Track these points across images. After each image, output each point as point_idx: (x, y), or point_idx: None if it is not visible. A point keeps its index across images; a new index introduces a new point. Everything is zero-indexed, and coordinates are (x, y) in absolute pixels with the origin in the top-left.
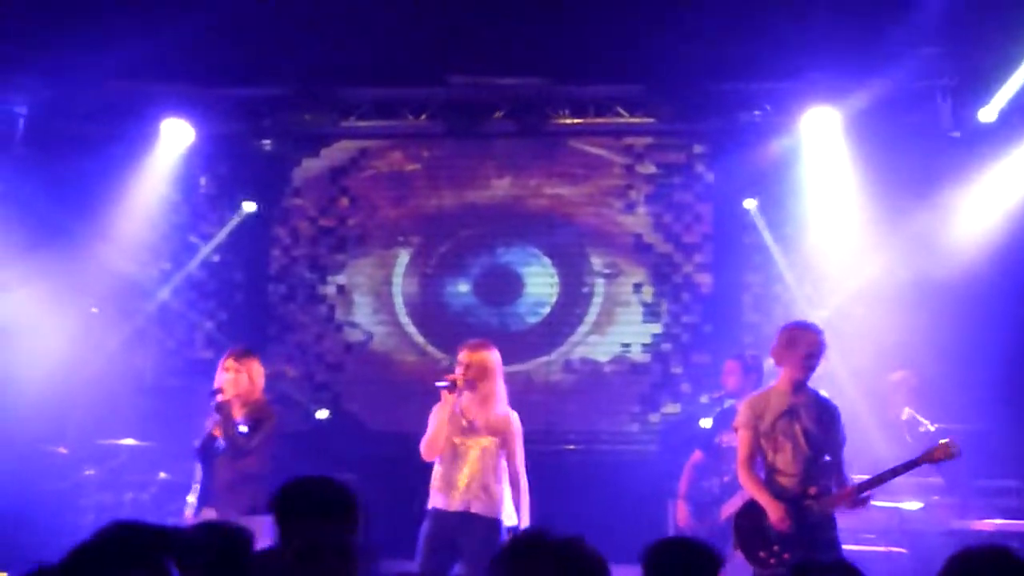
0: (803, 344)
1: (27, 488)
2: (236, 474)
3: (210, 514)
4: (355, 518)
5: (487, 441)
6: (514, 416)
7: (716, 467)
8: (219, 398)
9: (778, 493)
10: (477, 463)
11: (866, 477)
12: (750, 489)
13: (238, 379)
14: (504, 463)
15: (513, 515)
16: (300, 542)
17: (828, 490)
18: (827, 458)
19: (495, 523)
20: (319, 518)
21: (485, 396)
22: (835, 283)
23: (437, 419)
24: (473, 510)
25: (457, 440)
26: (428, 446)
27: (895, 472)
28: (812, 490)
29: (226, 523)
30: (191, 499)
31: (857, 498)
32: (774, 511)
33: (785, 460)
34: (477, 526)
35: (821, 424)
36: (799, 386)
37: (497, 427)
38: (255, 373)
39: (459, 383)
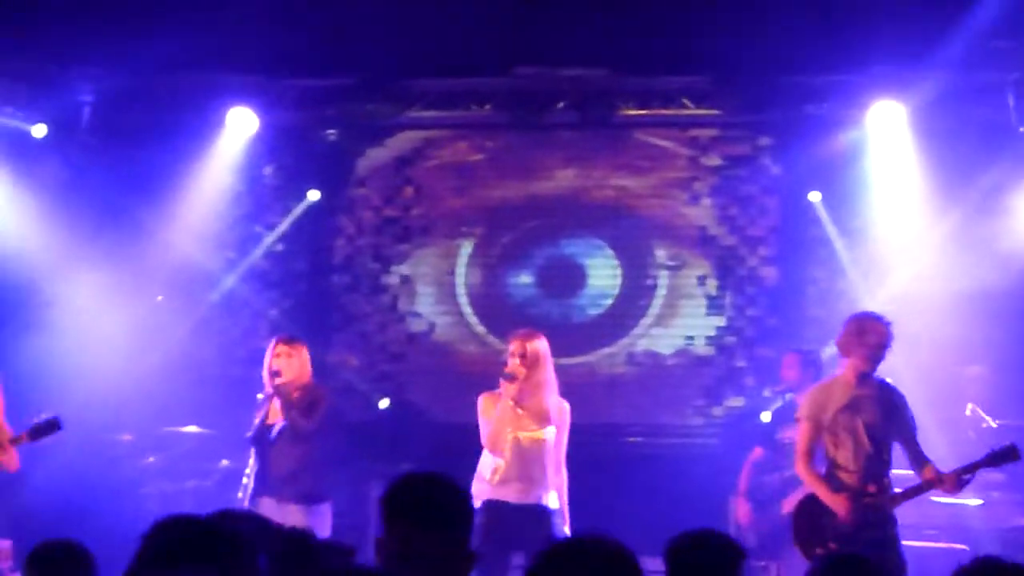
0: (871, 335)
1: (91, 476)
2: (294, 461)
3: (268, 503)
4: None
5: (542, 432)
6: (566, 405)
7: (777, 463)
8: (278, 381)
9: (837, 489)
10: (536, 454)
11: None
12: (809, 483)
13: (291, 363)
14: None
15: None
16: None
17: (888, 487)
18: (893, 449)
19: (554, 512)
20: (440, 529)
21: (538, 385)
22: (900, 278)
23: (494, 415)
24: (533, 501)
25: (515, 432)
26: (493, 441)
27: (985, 462)
28: (871, 487)
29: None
30: (245, 483)
31: (959, 481)
32: (839, 506)
33: (846, 456)
34: (537, 517)
35: (886, 415)
36: (864, 377)
37: (551, 416)
38: (305, 358)
39: (519, 375)
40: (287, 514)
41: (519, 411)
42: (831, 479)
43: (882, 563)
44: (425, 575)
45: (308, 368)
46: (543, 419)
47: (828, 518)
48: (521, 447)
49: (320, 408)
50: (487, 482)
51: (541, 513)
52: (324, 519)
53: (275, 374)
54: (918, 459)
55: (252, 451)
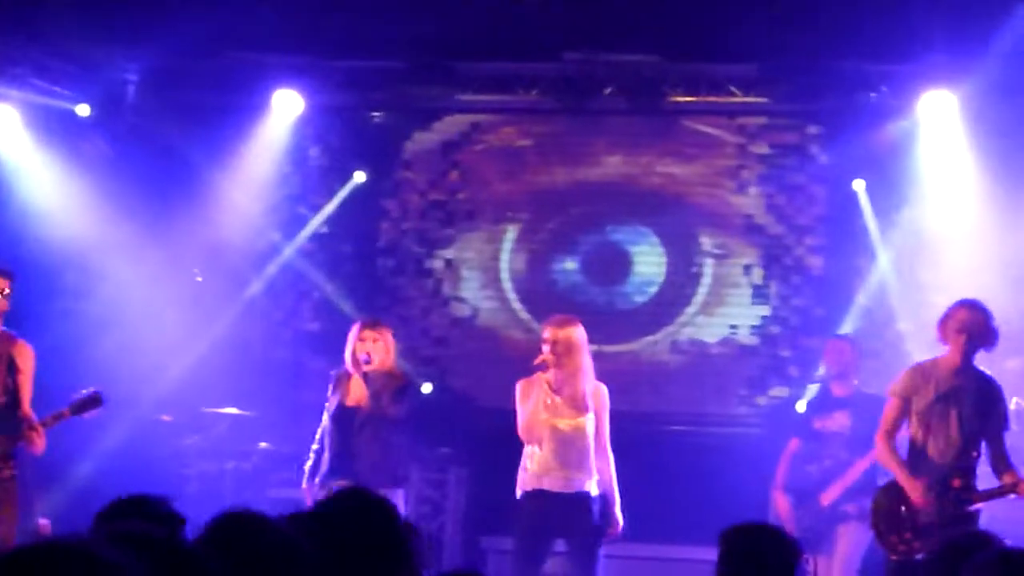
0: (972, 323)
1: (130, 456)
2: (380, 446)
3: (346, 484)
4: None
5: (581, 419)
6: (603, 389)
7: (816, 453)
8: (367, 368)
9: (918, 476)
10: (575, 442)
11: None
12: (888, 464)
13: (376, 348)
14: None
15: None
16: None
17: (972, 484)
18: (983, 445)
19: (595, 499)
20: None
21: (573, 372)
22: (951, 268)
23: (530, 402)
24: (580, 490)
25: (552, 420)
26: (527, 430)
27: None
28: (956, 482)
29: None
30: (312, 468)
31: None
32: (915, 490)
33: (935, 446)
34: (579, 505)
35: (980, 408)
36: (963, 366)
37: (587, 403)
38: (390, 341)
39: (550, 363)
40: None
41: (555, 399)
42: (913, 466)
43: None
44: None
45: (393, 352)
46: (580, 406)
47: (909, 508)
48: (558, 435)
49: (408, 394)
50: (528, 471)
51: (582, 501)
52: (401, 503)
53: (365, 361)
54: (1001, 459)
55: (325, 432)
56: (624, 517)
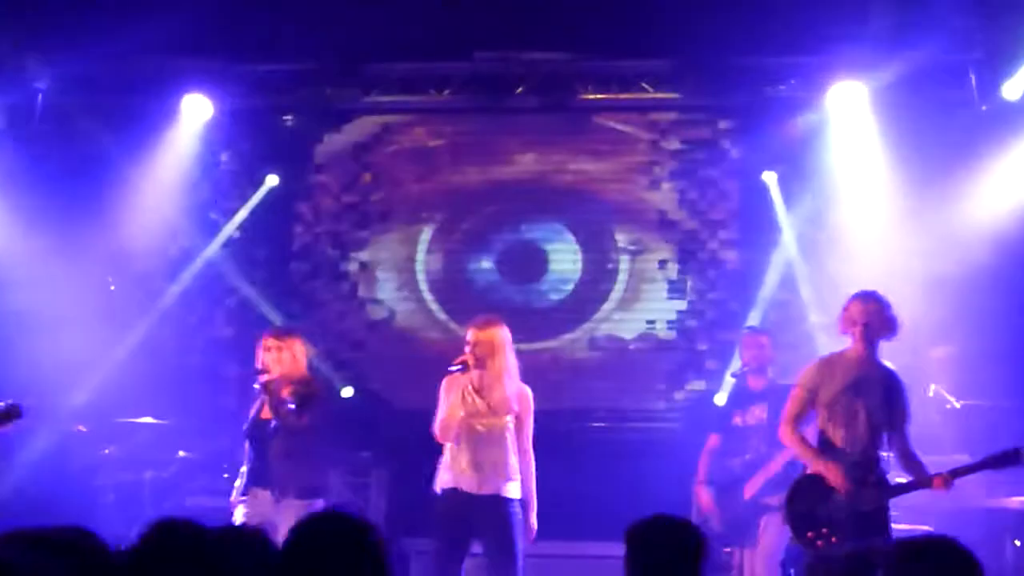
0: (862, 314)
1: (44, 467)
2: (291, 455)
3: (264, 497)
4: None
5: (499, 421)
6: (527, 391)
7: (736, 447)
8: (262, 379)
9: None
10: (493, 443)
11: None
12: (797, 449)
13: (281, 357)
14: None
15: (519, 489)
16: None
17: (884, 479)
18: (887, 435)
19: (512, 502)
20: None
21: (495, 374)
22: (861, 259)
23: (449, 401)
24: (490, 491)
25: (472, 421)
26: (443, 429)
27: (982, 465)
28: (870, 476)
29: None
30: (239, 484)
31: (950, 484)
32: (831, 472)
33: (843, 437)
34: (495, 506)
35: (886, 400)
36: (867, 357)
37: (510, 404)
38: (297, 350)
39: (470, 363)
40: (285, 508)
41: (475, 399)
42: (825, 456)
43: (872, 552)
44: None
45: (303, 361)
46: (500, 408)
47: (823, 503)
48: (475, 436)
49: (313, 404)
50: (444, 470)
51: (496, 503)
52: None
53: (259, 372)
54: (905, 450)
55: (247, 445)
56: (545, 515)
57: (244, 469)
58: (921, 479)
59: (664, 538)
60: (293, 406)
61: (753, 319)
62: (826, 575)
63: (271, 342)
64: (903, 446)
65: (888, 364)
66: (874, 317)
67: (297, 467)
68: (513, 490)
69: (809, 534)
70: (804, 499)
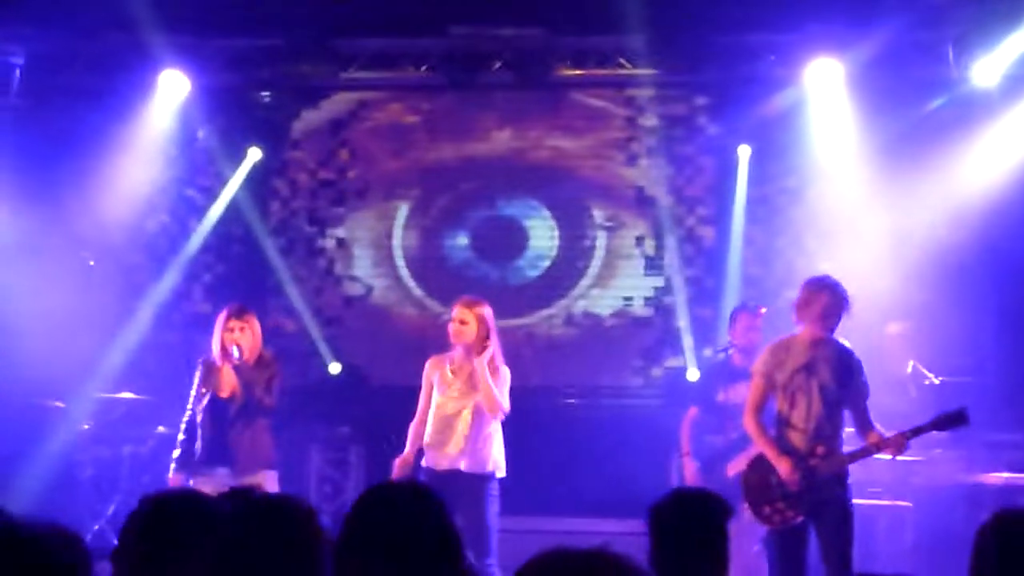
0: (824, 299)
1: (24, 443)
2: (252, 433)
3: (222, 473)
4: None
5: (470, 400)
6: (505, 372)
7: (718, 425)
8: (238, 361)
9: (787, 449)
10: (470, 421)
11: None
12: (757, 440)
13: (245, 337)
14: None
15: (503, 468)
16: None
17: (836, 449)
18: (845, 412)
19: (485, 478)
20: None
21: (476, 353)
22: (838, 236)
23: (432, 379)
24: (468, 469)
25: (451, 399)
26: (421, 406)
27: (932, 425)
28: (820, 449)
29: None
30: (177, 457)
31: (904, 444)
32: (783, 465)
33: (799, 416)
34: (474, 484)
35: (840, 378)
36: (821, 339)
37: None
38: (256, 328)
39: (454, 341)
40: (245, 484)
41: (453, 376)
42: (781, 438)
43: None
44: None
45: (259, 338)
46: (476, 385)
47: (777, 477)
48: (449, 414)
49: (276, 380)
50: (425, 447)
51: (470, 479)
52: (275, 485)
53: (235, 354)
54: (864, 425)
55: (195, 421)
56: (523, 490)
57: (190, 445)
58: (874, 444)
59: (691, 513)
60: (262, 385)
61: (740, 296)
62: (783, 548)
63: (234, 323)
64: (862, 421)
65: (843, 342)
66: (828, 305)
67: (256, 442)
68: (482, 466)
69: (767, 509)
70: (760, 474)
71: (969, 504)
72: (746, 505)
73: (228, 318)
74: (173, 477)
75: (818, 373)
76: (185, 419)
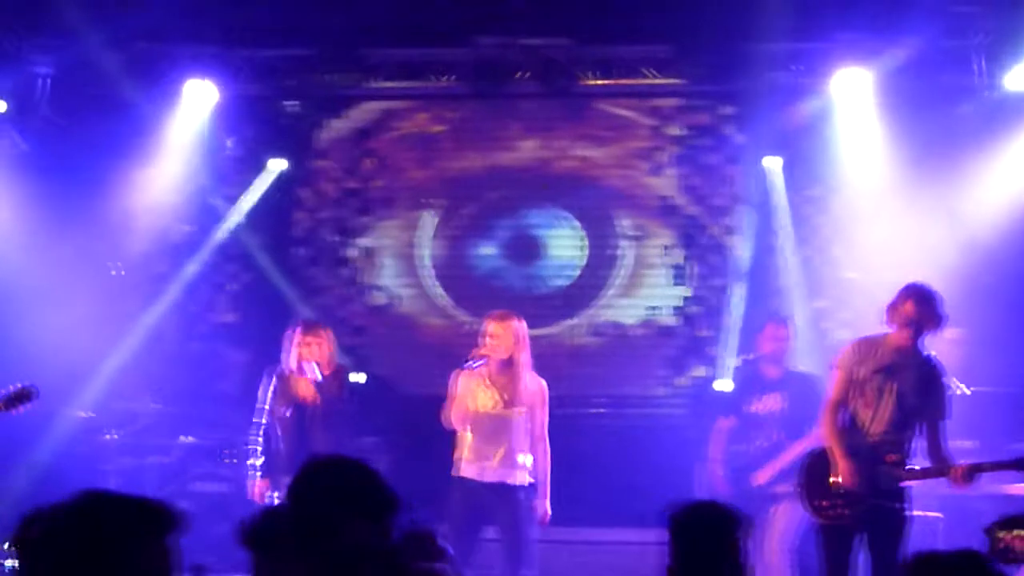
0: (906, 309)
1: (49, 453)
2: (332, 442)
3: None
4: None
5: (514, 412)
6: (542, 384)
7: (747, 434)
8: (319, 377)
9: (852, 448)
10: (505, 433)
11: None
12: (826, 437)
13: (322, 351)
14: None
15: (527, 477)
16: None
17: (905, 461)
18: (920, 426)
19: (521, 489)
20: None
21: (510, 365)
22: (865, 245)
23: (463, 391)
24: (508, 481)
25: (485, 412)
26: (458, 417)
27: (1008, 466)
28: (891, 457)
29: None
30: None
31: (969, 478)
32: (844, 467)
33: (868, 416)
34: (513, 496)
35: (920, 389)
36: (909, 347)
37: (523, 396)
38: (329, 340)
39: (486, 355)
40: None
41: (489, 391)
42: (850, 434)
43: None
44: None
45: (335, 349)
46: (514, 399)
47: (838, 479)
48: (484, 426)
49: (349, 389)
50: (459, 458)
51: (506, 491)
52: None
53: (310, 371)
54: (935, 445)
55: (273, 432)
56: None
57: (273, 455)
58: (939, 468)
59: (708, 524)
60: (339, 394)
61: (767, 306)
62: (828, 544)
63: (310, 338)
64: (933, 438)
65: (932, 354)
66: (925, 316)
67: (338, 448)
68: (522, 478)
69: (824, 502)
70: (824, 467)
71: (999, 515)
72: (802, 491)
73: (304, 333)
74: (260, 483)
75: (898, 378)
76: (261, 428)
